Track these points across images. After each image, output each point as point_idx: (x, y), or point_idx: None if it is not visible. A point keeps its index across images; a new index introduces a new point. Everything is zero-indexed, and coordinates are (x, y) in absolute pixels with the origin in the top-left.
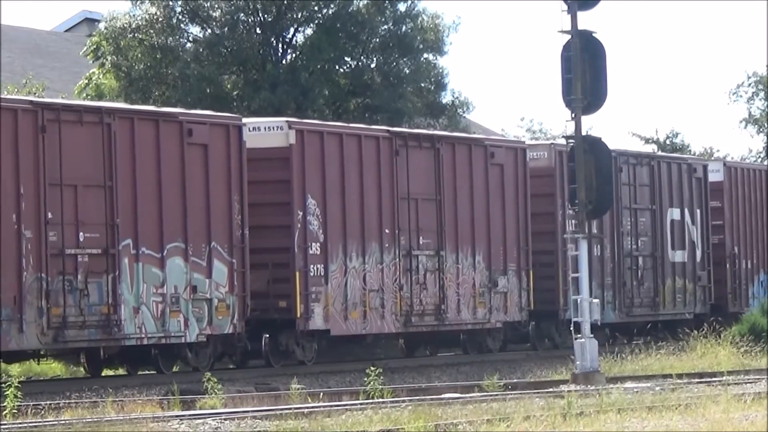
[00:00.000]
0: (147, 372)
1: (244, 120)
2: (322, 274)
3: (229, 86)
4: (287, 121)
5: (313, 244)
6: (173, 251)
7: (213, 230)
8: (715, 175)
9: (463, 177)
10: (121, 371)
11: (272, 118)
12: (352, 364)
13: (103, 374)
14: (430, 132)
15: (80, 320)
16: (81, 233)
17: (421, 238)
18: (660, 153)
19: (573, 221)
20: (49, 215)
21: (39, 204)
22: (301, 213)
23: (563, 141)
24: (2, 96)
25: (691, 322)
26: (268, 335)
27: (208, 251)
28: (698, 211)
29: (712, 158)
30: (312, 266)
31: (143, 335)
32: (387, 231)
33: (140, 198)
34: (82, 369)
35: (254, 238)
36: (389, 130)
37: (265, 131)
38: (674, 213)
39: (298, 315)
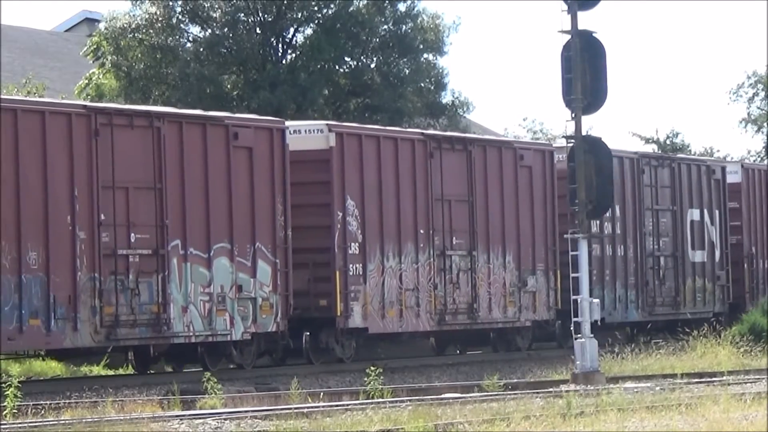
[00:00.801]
0: (156, 372)
1: (287, 123)
2: (361, 273)
3: (229, 86)
4: (327, 124)
5: (352, 244)
6: (220, 251)
7: (257, 231)
8: (733, 177)
9: (494, 179)
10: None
11: (313, 121)
12: (354, 364)
13: (105, 374)
14: (463, 135)
15: (131, 319)
16: (132, 234)
17: (454, 238)
18: (680, 155)
19: (596, 221)
20: (102, 217)
21: (92, 206)
22: (340, 214)
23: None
24: (44, 99)
25: (710, 320)
26: (308, 333)
27: (253, 251)
28: (717, 211)
29: (731, 160)
30: (351, 266)
31: (191, 333)
32: (422, 231)
33: (188, 200)
34: (130, 367)
35: (295, 239)
36: (423, 132)
37: (306, 134)
38: (694, 214)
39: (338, 313)
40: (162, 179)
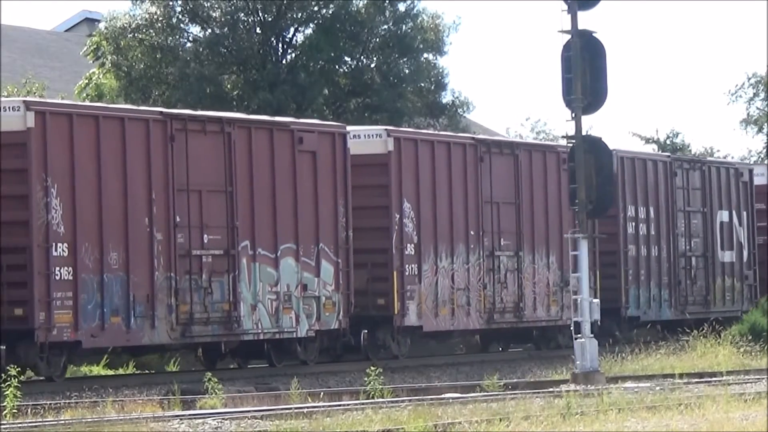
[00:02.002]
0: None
1: (348, 128)
2: (416, 273)
3: (229, 86)
4: (386, 129)
5: (408, 245)
6: (286, 252)
7: (321, 232)
8: (760, 179)
9: (539, 182)
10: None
11: (372, 126)
12: (355, 364)
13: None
14: (511, 139)
15: (204, 317)
16: (205, 235)
17: (502, 239)
18: (710, 158)
19: (632, 222)
20: (177, 219)
21: (168, 208)
22: (398, 216)
23: (624, 149)
24: (124, 105)
25: (739, 318)
26: (366, 331)
27: (317, 252)
28: (744, 213)
29: (758, 163)
30: (407, 266)
31: (260, 331)
32: (472, 233)
33: (256, 202)
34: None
35: (354, 239)
36: (474, 137)
37: (365, 138)
38: (723, 215)
39: (395, 312)
40: (232, 182)
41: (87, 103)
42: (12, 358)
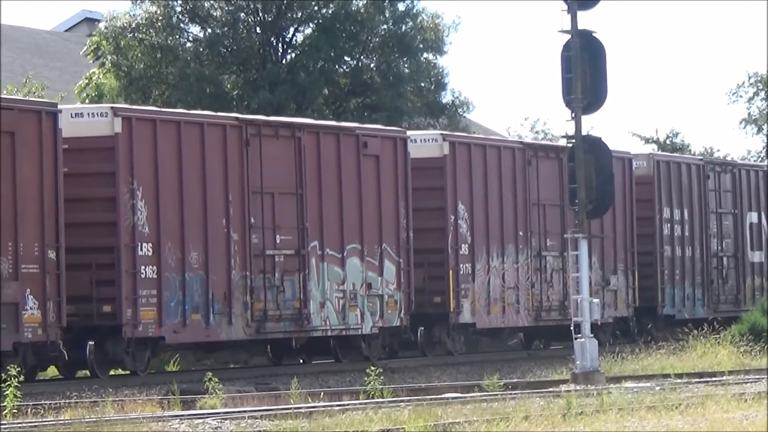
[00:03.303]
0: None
1: (408, 133)
2: (470, 272)
3: (229, 86)
4: (442, 134)
5: (463, 245)
6: (351, 252)
7: (384, 233)
8: None
9: None
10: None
11: (429, 131)
12: (354, 364)
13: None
14: (556, 144)
15: (277, 314)
16: (277, 236)
17: (548, 240)
18: (740, 161)
19: (668, 224)
20: (252, 220)
21: (244, 210)
22: (453, 217)
23: (660, 153)
24: (203, 112)
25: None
26: (423, 328)
27: (380, 252)
28: None
29: None
30: (462, 265)
31: (328, 327)
32: (521, 233)
33: (324, 204)
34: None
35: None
36: (523, 142)
37: (422, 143)
38: (752, 216)
39: (451, 309)
40: (302, 185)
41: (169, 109)
42: (100, 353)
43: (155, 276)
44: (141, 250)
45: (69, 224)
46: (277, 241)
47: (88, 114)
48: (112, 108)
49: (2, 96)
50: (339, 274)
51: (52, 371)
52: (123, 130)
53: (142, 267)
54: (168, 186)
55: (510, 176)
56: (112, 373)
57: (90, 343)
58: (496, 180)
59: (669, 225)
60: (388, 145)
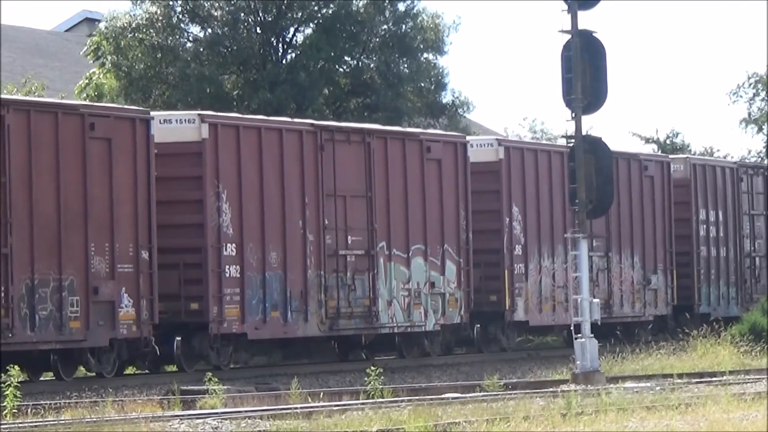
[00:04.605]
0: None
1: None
2: (523, 272)
3: (229, 86)
4: (497, 139)
5: (517, 246)
6: (416, 252)
7: (445, 234)
8: None
9: (625, 188)
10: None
11: (484, 136)
12: (353, 364)
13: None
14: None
15: (349, 311)
16: (349, 237)
17: (594, 241)
18: None
19: (704, 225)
20: (326, 221)
21: (318, 212)
22: (508, 219)
23: (696, 157)
24: (281, 118)
25: None
26: (479, 325)
27: (442, 252)
28: None
29: None
30: (516, 265)
31: (394, 324)
32: (568, 235)
33: (391, 206)
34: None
35: None
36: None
37: (478, 147)
38: None
39: (507, 307)
40: (371, 188)
41: (250, 116)
42: (186, 348)
43: (238, 275)
44: (226, 250)
45: (158, 226)
46: (349, 242)
47: (176, 120)
48: (199, 115)
49: (99, 104)
50: (405, 273)
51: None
52: (209, 136)
53: (227, 266)
54: (250, 189)
55: (559, 179)
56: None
57: (177, 339)
58: (546, 183)
59: (705, 226)
60: (449, 150)
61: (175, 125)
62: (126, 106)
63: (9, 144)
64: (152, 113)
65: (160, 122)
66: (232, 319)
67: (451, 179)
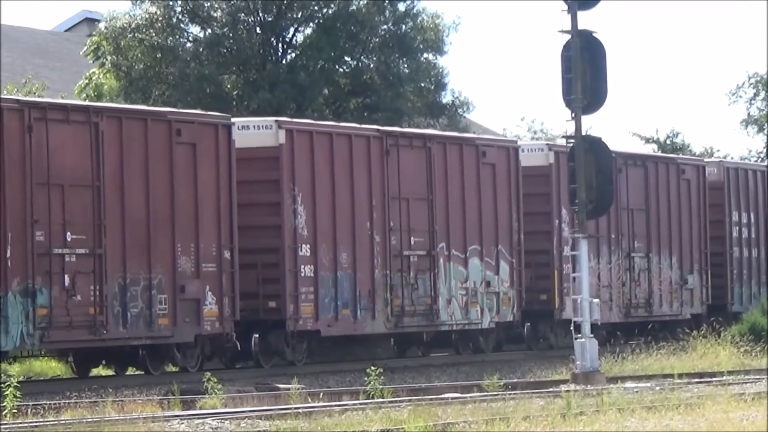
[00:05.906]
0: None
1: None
2: (572, 272)
3: (229, 86)
4: (548, 144)
5: (565, 247)
6: (473, 253)
7: (499, 235)
8: None
9: (663, 191)
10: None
11: (535, 141)
12: (352, 363)
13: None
14: (642, 153)
15: (412, 309)
16: (412, 238)
17: (635, 241)
18: None
19: (736, 227)
20: (391, 223)
21: (384, 214)
22: (557, 221)
23: (729, 161)
24: (350, 124)
25: None
26: (529, 323)
27: (496, 253)
28: None
29: None
30: (565, 266)
31: (453, 322)
32: (613, 236)
33: (450, 208)
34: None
35: None
36: (616, 151)
37: (529, 152)
38: None
39: (556, 306)
40: (432, 191)
41: (322, 122)
42: (263, 345)
43: (312, 274)
44: (301, 250)
45: (238, 227)
46: (412, 243)
47: (254, 126)
48: (276, 121)
49: (185, 111)
50: (462, 272)
51: (52, 371)
52: (286, 141)
53: (302, 266)
54: (322, 192)
55: None
56: (99, 373)
57: (255, 335)
58: None
59: (737, 228)
60: (502, 154)
61: (253, 131)
62: (209, 113)
63: (103, 150)
64: (232, 119)
65: (238, 128)
66: (307, 317)
67: (504, 182)
